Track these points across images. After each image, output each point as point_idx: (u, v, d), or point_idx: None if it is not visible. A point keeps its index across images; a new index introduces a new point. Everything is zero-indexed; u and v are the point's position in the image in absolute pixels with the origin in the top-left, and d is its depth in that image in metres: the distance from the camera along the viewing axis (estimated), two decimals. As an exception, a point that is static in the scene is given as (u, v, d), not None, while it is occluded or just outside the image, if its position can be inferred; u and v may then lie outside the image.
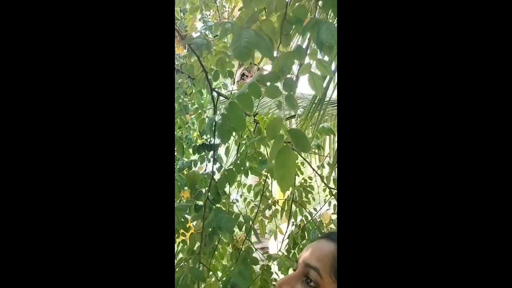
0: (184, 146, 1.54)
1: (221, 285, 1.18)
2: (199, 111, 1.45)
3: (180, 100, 1.32)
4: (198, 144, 1.58)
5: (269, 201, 1.43)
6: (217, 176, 1.37)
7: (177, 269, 1.20)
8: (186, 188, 1.46)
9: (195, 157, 1.56)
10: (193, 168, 1.56)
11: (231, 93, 1.71)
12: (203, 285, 1.11)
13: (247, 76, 3.32)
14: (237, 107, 0.58)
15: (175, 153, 1.35)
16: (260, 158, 1.18)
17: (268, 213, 1.48)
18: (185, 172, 1.45)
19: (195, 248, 1.26)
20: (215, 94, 1.37)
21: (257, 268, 1.24)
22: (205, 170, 1.54)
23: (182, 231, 1.40)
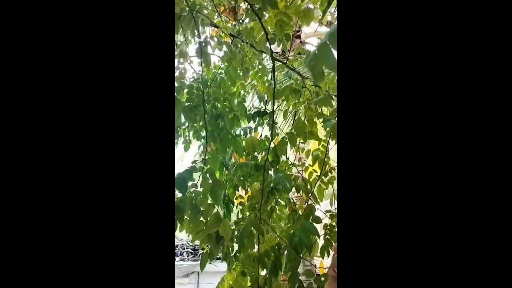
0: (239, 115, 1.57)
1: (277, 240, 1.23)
2: (259, 74, 1.46)
3: (242, 65, 1.34)
4: (252, 112, 1.61)
5: (327, 167, 1.43)
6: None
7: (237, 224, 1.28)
8: (244, 153, 1.51)
9: (248, 124, 1.60)
10: (249, 134, 1.60)
11: (286, 59, 1.69)
12: (261, 240, 1.17)
13: (289, 50, 3.24)
14: (328, 47, 0.57)
15: (234, 120, 1.39)
16: (322, 118, 1.18)
17: (325, 179, 1.48)
18: (242, 138, 1.50)
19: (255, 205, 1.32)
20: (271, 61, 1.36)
21: (318, 227, 1.27)
22: (261, 136, 1.58)
23: (239, 193, 1.47)
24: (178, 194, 1.13)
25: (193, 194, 1.16)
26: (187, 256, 5.14)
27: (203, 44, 1.27)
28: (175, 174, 1.08)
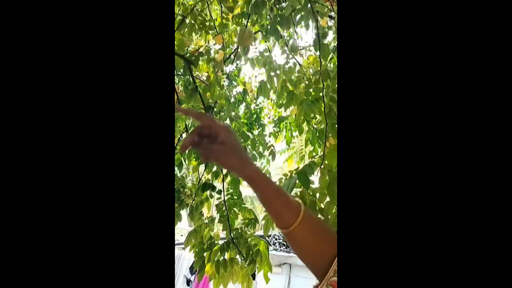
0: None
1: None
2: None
3: None
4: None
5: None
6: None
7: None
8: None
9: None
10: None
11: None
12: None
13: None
14: None
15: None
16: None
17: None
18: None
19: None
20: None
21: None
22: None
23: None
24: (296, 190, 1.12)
25: (310, 191, 1.13)
26: (279, 247, 5.28)
27: (321, 35, 1.21)
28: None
